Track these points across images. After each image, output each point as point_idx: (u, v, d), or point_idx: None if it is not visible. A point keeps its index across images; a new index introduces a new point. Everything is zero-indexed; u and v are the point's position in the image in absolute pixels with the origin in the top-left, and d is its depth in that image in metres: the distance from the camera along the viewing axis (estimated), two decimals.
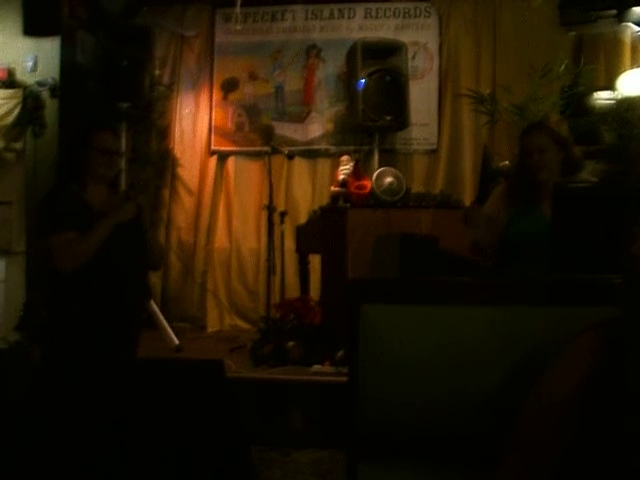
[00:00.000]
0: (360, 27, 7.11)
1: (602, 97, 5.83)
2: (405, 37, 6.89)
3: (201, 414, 2.65)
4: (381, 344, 1.84)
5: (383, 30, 7.05)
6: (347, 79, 6.86)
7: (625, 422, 1.28)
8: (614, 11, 5.36)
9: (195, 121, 7.30)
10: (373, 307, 1.88)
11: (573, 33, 6.29)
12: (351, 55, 6.64)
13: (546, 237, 2.97)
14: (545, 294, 1.88)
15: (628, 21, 5.58)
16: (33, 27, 5.80)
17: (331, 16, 7.18)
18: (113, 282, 3.45)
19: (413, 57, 6.93)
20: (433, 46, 7.06)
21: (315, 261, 5.89)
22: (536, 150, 3.40)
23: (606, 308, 1.54)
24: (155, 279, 6.96)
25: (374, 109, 6.32)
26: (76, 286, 3.41)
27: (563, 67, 5.75)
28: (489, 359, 1.78)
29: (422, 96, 6.91)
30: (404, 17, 7.10)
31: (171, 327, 5.79)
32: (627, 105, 5.62)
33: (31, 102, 5.86)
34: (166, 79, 7.25)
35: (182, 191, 7.22)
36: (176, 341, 5.63)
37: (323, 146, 7.06)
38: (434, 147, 6.98)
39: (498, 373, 1.76)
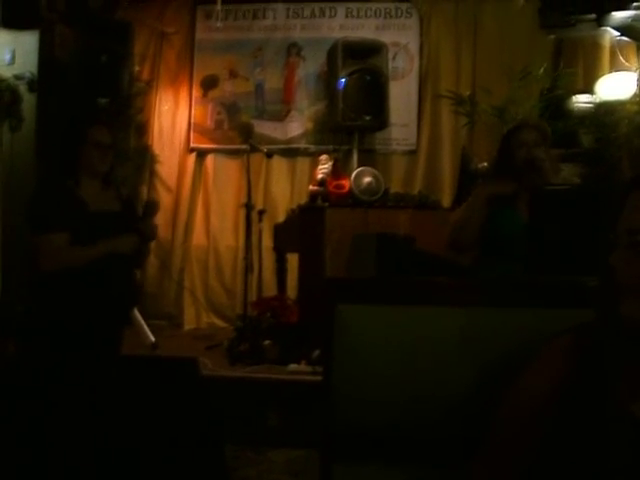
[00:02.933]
0: (341, 26, 7.11)
1: (580, 101, 5.86)
2: (386, 37, 6.89)
3: (175, 412, 2.64)
4: (356, 344, 1.83)
5: (364, 30, 7.06)
6: (327, 78, 6.85)
7: (597, 427, 1.28)
8: (593, 15, 5.39)
9: (174, 118, 7.27)
10: (349, 307, 1.87)
11: (553, 36, 6.32)
12: (332, 54, 6.63)
13: (524, 235, 2.99)
14: (522, 296, 1.88)
15: (607, 26, 5.61)
16: (11, 19, 5.73)
17: (312, 15, 7.18)
18: (98, 280, 3.41)
19: (393, 57, 6.93)
20: (414, 47, 7.07)
21: (293, 260, 5.88)
22: (532, 143, 3.44)
23: (583, 310, 1.54)
24: None
25: (354, 109, 6.31)
26: (60, 283, 3.36)
27: (542, 70, 5.79)
28: (465, 360, 1.78)
29: (402, 97, 6.93)
30: (385, 17, 7.11)
31: (147, 324, 5.76)
32: (605, 109, 5.66)
33: (8, 96, 5.79)
34: (145, 75, 7.20)
35: (160, 188, 7.19)
36: (152, 338, 5.60)
37: (302, 145, 7.05)
38: (413, 148, 6.99)
39: (474, 374, 1.75)
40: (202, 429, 2.67)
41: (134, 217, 3.69)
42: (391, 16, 7.11)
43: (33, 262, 3.35)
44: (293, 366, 4.88)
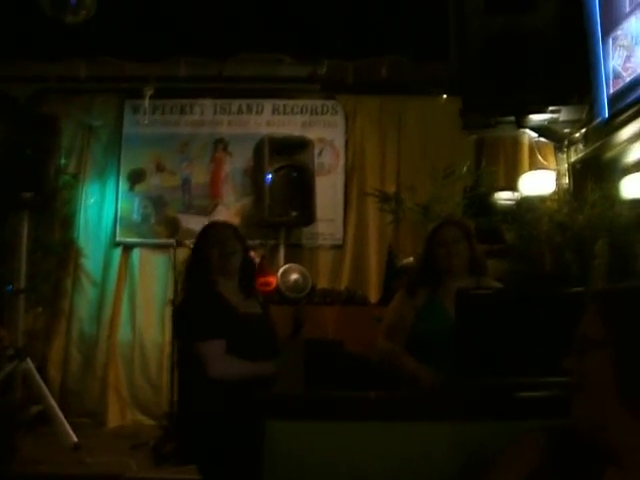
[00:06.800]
0: (268, 123, 7.21)
1: (502, 197, 6.03)
2: (312, 133, 7.02)
3: None
4: (287, 463, 1.81)
5: (290, 126, 7.17)
6: (254, 174, 6.91)
7: None
8: (512, 118, 5.58)
9: (100, 211, 7.20)
10: (278, 424, 1.85)
11: (474, 136, 6.53)
12: (258, 150, 6.72)
13: (450, 332, 3.03)
14: (459, 408, 1.88)
15: (526, 127, 5.82)
16: None
17: (239, 111, 7.27)
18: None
19: (320, 153, 7.05)
20: (339, 143, 7.20)
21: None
22: (450, 240, 3.58)
23: (521, 422, 1.56)
24: (54, 372, 6.76)
25: (280, 204, 6.37)
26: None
27: (465, 168, 5.94)
28: (401, 477, 1.77)
29: (328, 192, 7.00)
30: (311, 114, 7.25)
31: (70, 423, 5.58)
32: (526, 206, 5.82)
33: None
34: (72, 168, 7.17)
35: (85, 281, 7.07)
36: (74, 438, 5.43)
37: None
38: (339, 242, 7.04)
39: None
40: None
41: (272, 320, 3.77)
42: (317, 113, 7.25)
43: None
44: None
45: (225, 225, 3.83)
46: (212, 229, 3.71)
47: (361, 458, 1.82)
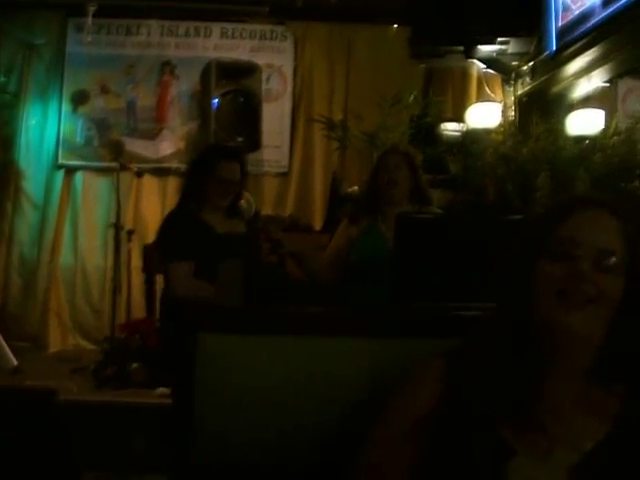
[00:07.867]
0: (216, 46, 7.09)
1: (449, 128, 6.04)
2: (260, 59, 6.89)
3: (30, 443, 2.56)
4: (220, 375, 1.81)
5: (239, 51, 7.06)
6: (200, 98, 6.81)
7: (467, 451, 1.30)
8: (461, 48, 5.58)
9: (42, 133, 7.03)
10: (211, 336, 1.84)
11: (423, 65, 6.51)
12: (205, 74, 6.59)
13: (387, 258, 3.05)
14: (390, 325, 1.89)
15: (474, 58, 5.82)
16: None
17: (187, 34, 7.13)
18: None
19: (267, 79, 6.96)
20: (288, 69, 7.13)
21: (162, 281, 5.80)
22: (392, 167, 3.58)
23: (453, 340, 1.57)
24: None
25: (226, 129, 6.28)
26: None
27: (412, 97, 5.92)
28: (333, 392, 1.78)
29: (275, 119, 6.95)
30: (260, 39, 7.14)
31: (10, 346, 5.54)
32: (472, 138, 5.84)
33: None
34: (12, 87, 6.97)
35: (26, 205, 6.94)
36: (14, 362, 5.39)
37: (174, 164, 6.92)
38: (285, 170, 7.03)
39: (342, 406, 1.76)
40: (58, 462, 2.60)
41: (256, 238, 3.79)
42: (266, 38, 7.15)
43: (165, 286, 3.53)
44: (161, 390, 4.79)
45: (236, 163, 3.71)
46: (226, 161, 3.63)
47: (293, 372, 1.82)
